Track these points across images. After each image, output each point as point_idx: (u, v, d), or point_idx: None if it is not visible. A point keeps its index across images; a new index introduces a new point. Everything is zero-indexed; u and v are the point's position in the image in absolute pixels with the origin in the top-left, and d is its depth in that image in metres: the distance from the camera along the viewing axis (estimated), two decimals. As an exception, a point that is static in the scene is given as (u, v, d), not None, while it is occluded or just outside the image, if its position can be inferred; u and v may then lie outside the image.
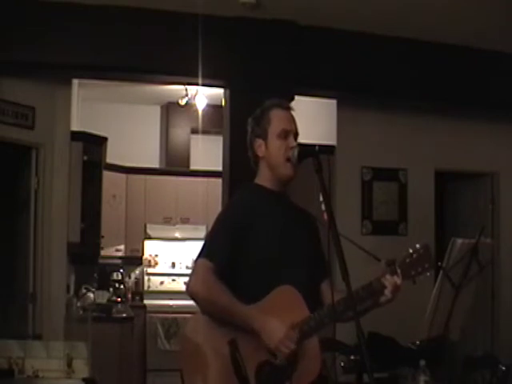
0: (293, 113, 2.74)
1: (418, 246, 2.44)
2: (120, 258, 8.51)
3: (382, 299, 2.46)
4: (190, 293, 2.54)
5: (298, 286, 2.50)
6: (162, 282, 8.87)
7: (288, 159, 2.62)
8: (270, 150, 2.67)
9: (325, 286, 2.67)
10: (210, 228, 2.73)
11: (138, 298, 8.56)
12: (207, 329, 2.56)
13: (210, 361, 2.53)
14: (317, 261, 2.69)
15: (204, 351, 2.55)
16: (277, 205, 2.68)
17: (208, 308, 2.54)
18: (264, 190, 2.70)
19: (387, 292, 2.44)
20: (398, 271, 2.42)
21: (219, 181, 5.77)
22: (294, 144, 2.64)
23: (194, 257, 2.68)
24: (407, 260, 2.43)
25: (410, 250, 2.44)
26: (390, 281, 2.42)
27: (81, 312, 6.48)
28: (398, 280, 2.42)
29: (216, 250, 2.57)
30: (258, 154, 2.71)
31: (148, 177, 8.69)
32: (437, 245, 6.22)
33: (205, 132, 8.34)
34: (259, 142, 2.70)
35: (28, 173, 5.68)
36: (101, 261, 7.83)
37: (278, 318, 2.44)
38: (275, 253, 2.58)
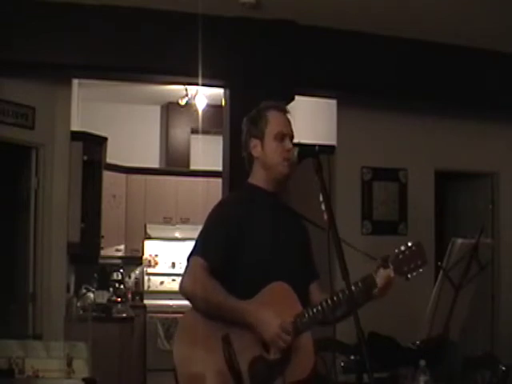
0: (289, 116, 2.73)
1: (409, 243, 2.45)
2: (120, 257, 8.52)
3: (375, 292, 2.46)
4: (183, 291, 2.54)
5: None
6: (161, 282, 8.88)
7: (285, 159, 2.63)
8: (266, 151, 2.67)
9: (313, 288, 2.70)
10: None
11: (138, 298, 8.58)
12: (200, 325, 2.55)
13: (203, 357, 2.52)
14: (307, 263, 2.72)
15: (197, 347, 2.54)
16: (269, 206, 2.68)
17: (202, 306, 2.54)
18: (258, 190, 2.70)
19: (380, 285, 2.44)
20: (391, 266, 2.42)
21: (219, 181, 5.77)
22: (291, 146, 2.64)
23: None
24: (400, 256, 2.43)
25: (402, 248, 2.44)
26: (383, 274, 2.43)
27: (81, 312, 6.48)
28: (391, 272, 2.42)
29: (210, 247, 2.57)
30: (253, 154, 2.71)
31: (148, 177, 8.70)
32: (437, 245, 6.22)
33: (205, 132, 8.34)
34: (255, 141, 2.70)
35: (28, 173, 5.68)
36: (101, 261, 7.83)
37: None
38: (266, 255, 2.58)
